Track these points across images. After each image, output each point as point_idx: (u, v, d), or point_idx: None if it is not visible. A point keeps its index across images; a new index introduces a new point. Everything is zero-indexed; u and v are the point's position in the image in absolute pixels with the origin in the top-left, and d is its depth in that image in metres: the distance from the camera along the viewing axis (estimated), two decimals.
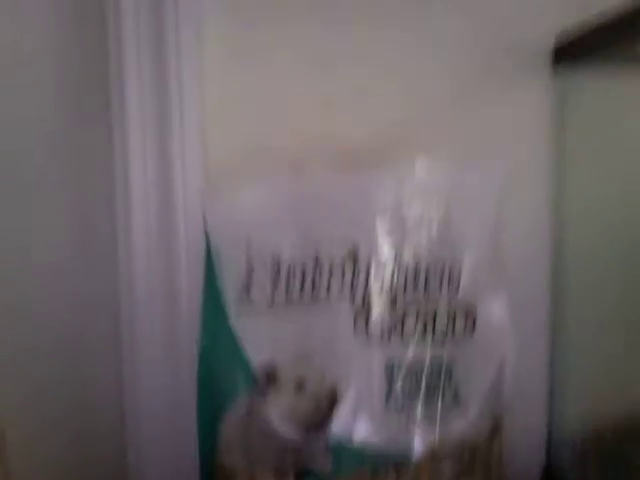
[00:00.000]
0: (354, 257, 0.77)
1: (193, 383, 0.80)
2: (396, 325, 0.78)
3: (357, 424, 0.76)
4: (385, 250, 0.77)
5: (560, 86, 0.91)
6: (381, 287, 0.77)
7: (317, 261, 0.75)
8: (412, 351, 0.78)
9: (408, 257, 0.79)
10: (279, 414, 0.76)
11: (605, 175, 0.93)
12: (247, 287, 0.75)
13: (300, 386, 0.76)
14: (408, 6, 0.88)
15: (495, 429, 0.82)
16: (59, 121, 0.89)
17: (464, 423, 0.78)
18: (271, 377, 0.75)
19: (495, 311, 0.82)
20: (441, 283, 0.80)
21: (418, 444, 0.76)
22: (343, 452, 0.75)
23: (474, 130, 0.91)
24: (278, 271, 0.75)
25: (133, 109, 0.83)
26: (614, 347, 0.93)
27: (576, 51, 0.87)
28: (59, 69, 0.88)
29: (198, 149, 0.84)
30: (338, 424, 0.75)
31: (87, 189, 0.90)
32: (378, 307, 0.77)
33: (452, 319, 0.80)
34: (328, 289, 0.76)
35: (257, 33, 0.85)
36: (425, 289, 0.79)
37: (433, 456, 0.77)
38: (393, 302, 0.78)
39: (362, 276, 0.77)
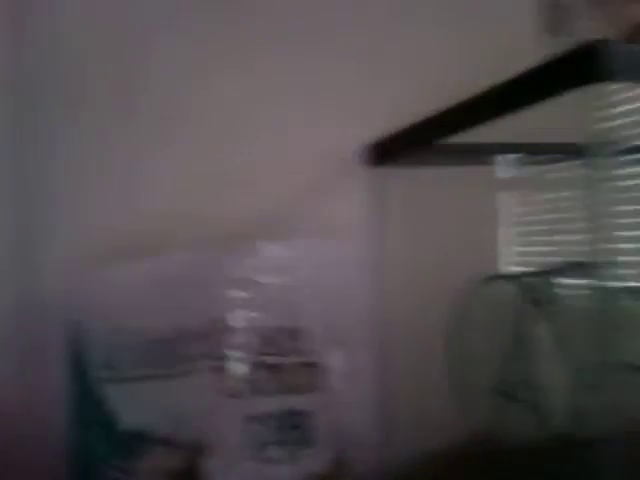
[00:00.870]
0: (212, 326, 0.90)
1: None
2: (253, 382, 0.92)
3: (226, 474, 0.87)
4: (239, 318, 0.92)
5: (375, 182, 1.16)
6: (237, 350, 0.91)
7: (178, 331, 0.88)
8: (269, 403, 0.92)
9: (259, 323, 0.94)
10: (150, 475, 0.85)
11: (417, 250, 1.17)
12: (112, 357, 0.86)
13: (171, 445, 0.86)
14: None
15: (342, 463, 0.97)
16: None
17: (316, 461, 0.93)
18: (140, 440, 0.85)
19: (335, 365, 0.99)
20: (289, 344, 0.96)
21: None
22: None
23: (312, 220, 1.11)
24: (142, 342, 0.87)
25: None
26: (434, 394, 1.13)
27: (384, 154, 1.12)
28: None
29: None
30: (208, 477, 0.86)
31: None
32: (236, 368, 0.91)
33: (300, 374, 0.96)
34: (190, 355, 0.89)
35: None
36: (275, 349, 0.95)
37: None
38: (249, 362, 0.92)
39: (220, 342, 0.91)
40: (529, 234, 1.22)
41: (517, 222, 1.24)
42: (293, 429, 0.93)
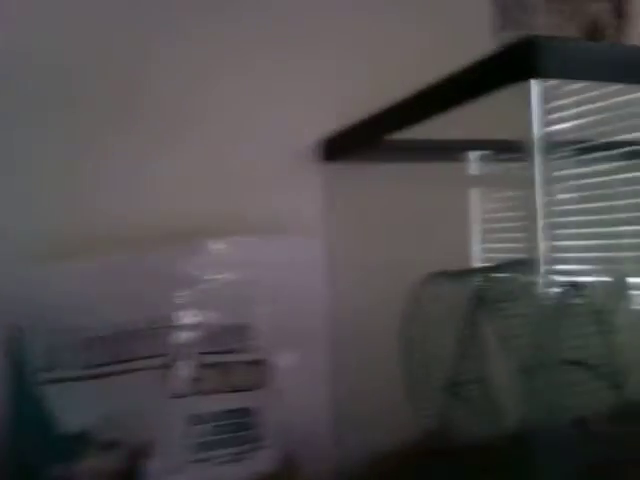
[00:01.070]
0: (155, 325, 0.89)
1: None
2: (197, 382, 0.90)
3: (167, 476, 0.85)
4: (183, 316, 0.90)
5: (329, 178, 1.15)
6: (182, 349, 0.90)
7: (119, 330, 0.86)
8: (214, 403, 0.91)
9: (205, 320, 0.92)
10: (90, 477, 0.83)
11: (370, 247, 1.16)
12: (51, 358, 0.84)
13: (111, 447, 0.84)
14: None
15: (289, 462, 0.96)
16: None
17: (262, 460, 0.92)
18: (80, 441, 0.83)
19: (286, 363, 0.98)
20: (236, 342, 0.95)
21: None
22: None
23: (264, 217, 1.10)
24: (84, 342, 0.85)
25: None
26: (384, 390, 1.12)
27: (337, 150, 1.11)
28: None
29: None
30: (152, 477, 0.84)
31: None
32: (180, 367, 0.89)
33: (247, 372, 0.95)
34: (132, 355, 0.87)
35: None
36: (222, 347, 0.94)
37: None
38: (193, 361, 0.90)
39: (164, 341, 0.89)
40: (485, 232, 1.23)
41: (475, 219, 1.25)
42: (240, 428, 0.91)
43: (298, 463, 0.97)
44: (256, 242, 1.00)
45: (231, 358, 0.93)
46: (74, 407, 0.83)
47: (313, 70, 1.15)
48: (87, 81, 1.03)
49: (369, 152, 1.08)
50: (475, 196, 1.26)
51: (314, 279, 1.12)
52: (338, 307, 1.11)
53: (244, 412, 0.93)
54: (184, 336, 0.90)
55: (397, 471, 1.09)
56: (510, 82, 0.62)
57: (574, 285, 0.87)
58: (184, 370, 0.89)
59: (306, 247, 1.08)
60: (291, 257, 1.03)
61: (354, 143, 1.06)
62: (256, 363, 0.95)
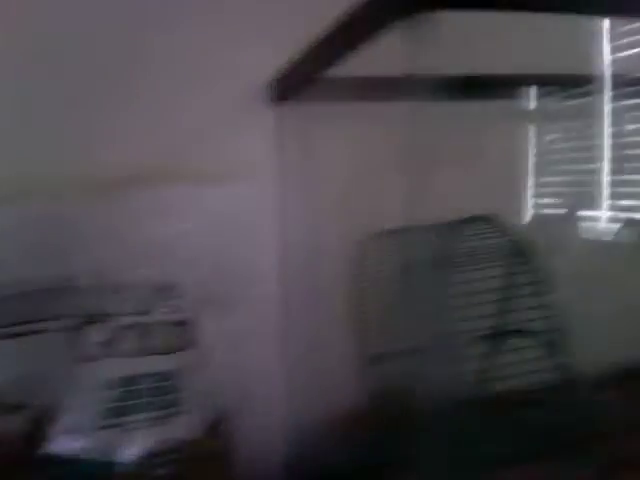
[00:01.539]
0: (68, 283, 0.83)
1: None
2: (112, 344, 0.85)
3: (75, 440, 0.81)
4: (99, 275, 0.84)
5: (279, 116, 1.06)
6: (96, 309, 0.85)
7: (28, 288, 0.81)
8: (130, 366, 0.86)
9: (124, 281, 0.87)
10: None
11: (317, 197, 1.08)
12: None
13: (15, 410, 0.80)
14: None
15: (215, 428, 0.91)
16: None
17: (180, 426, 0.86)
18: None
19: (209, 325, 0.92)
20: (156, 301, 0.89)
21: (136, 450, 0.83)
22: (64, 467, 0.79)
23: (217, 162, 1.02)
24: None
25: None
26: (333, 352, 1.07)
27: (286, 89, 1.02)
28: None
29: None
30: (56, 441, 0.79)
31: None
32: (94, 329, 0.84)
33: (169, 334, 0.89)
34: (41, 316, 0.82)
35: None
36: (140, 308, 0.88)
37: (151, 459, 0.83)
38: (109, 323, 0.85)
39: (76, 301, 0.84)
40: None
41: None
42: (158, 393, 0.86)
43: (227, 431, 0.92)
44: (190, 191, 0.94)
45: (151, 319, 0.88)
46: None
47: (260, 9, 1.06)
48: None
49: (314, 91, 0.98)
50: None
51: (258, 231, 1.05)
52: (287, 260, 1.04)
53: (163, 376, 0.87)
54: (98, 296, 0.84)
55: (346, 434, 1.04)
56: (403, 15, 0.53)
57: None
58: (97, 332, 0.84)
59: (251, 195, 1.01)
60: (232, 206, 0.96)
61: (297, 82, 0.98)
62: (180, 324, 0.90)
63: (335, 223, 1.08)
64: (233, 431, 0.94)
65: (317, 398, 1.05)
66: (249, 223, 1.03)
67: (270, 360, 1.05)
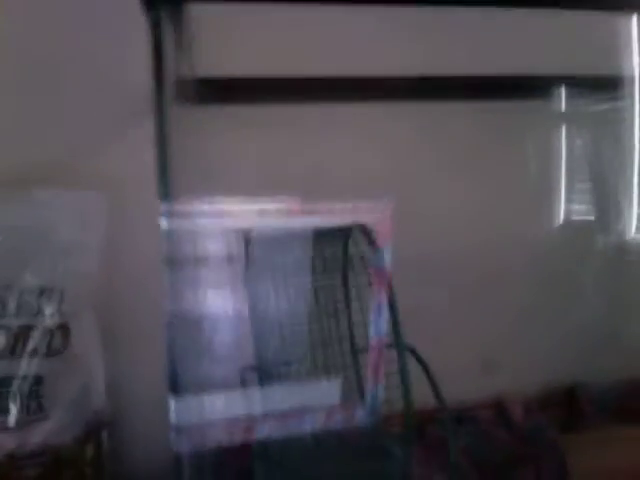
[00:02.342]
0: None
1: None
2: None
3: None
4: None
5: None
6: None
7: None
8: (1, 367, 0.86)
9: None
10: None
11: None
12: None
13: None
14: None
15: (88, 434, 0.91)
16: None
17: (46, 430, 0.86)
18: None
19: (85, 329, 0.91)
20: (30, 304, 0.88)
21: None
22: None
23: (102, 166, 1.00)
24: None
25: None
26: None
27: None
28: None
29: None
30: None
31: None
32: None
33: (47, 337, 0.89)
34: None
35: None
36: (18, 310, 0.87)
37: (10, 462, 0.84)
38: None
39: None
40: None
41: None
42: (23, 396, 0.86)
43: (96, 438, 0.92)
44: (69, 196, 0.92)
45: (28, 321, 0.87)
46: None
47: None
48: None
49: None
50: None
51: (139, 240, 1.02)
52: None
53: (33, 379, 0.87)
54: None
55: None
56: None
57: None
58: None
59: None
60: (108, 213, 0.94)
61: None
62: (59, 328, 0.89)
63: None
64: (113, 436, 0.93)
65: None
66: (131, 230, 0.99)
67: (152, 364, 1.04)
